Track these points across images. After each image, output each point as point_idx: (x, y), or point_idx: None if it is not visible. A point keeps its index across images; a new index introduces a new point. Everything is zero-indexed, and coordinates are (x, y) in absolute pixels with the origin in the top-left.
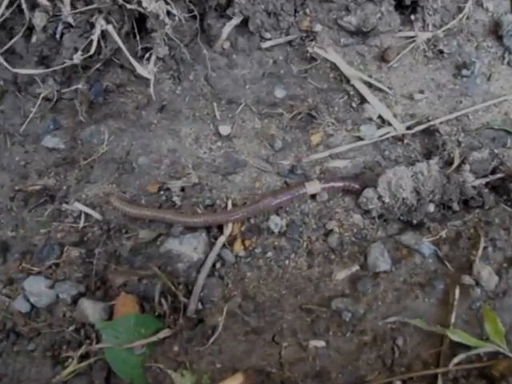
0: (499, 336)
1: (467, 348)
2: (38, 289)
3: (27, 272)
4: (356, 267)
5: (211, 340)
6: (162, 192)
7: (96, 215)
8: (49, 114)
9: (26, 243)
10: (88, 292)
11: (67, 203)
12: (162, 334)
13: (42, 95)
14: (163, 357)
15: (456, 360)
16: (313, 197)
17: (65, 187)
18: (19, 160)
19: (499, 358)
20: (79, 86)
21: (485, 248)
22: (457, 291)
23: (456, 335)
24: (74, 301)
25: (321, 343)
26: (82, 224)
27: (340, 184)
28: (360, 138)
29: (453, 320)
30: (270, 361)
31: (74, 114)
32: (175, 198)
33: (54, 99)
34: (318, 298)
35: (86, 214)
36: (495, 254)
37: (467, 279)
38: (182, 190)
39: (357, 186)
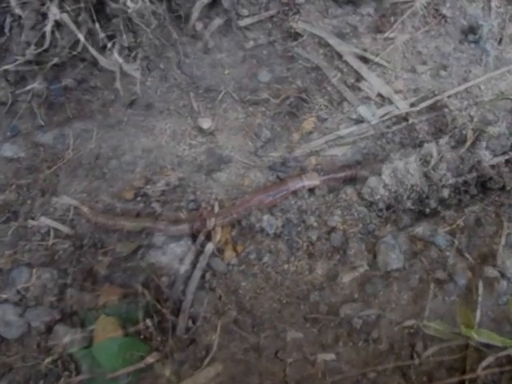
0: None
1: (496, 349)
2: (6, 318)
3: None
4: (364, 267)
5: (206, 361)
6: (139, 198)
7: (66, 230)
8: (4, 119)
9: None
10: (64, 317)
11: (33, 219)
12: (149, 359)
13: None
14: None
15: (484, 364)
16: (311, 191)
17: (29, 201)
18: None
19: None
20: (35, 85)
21: (509, 234)
22: (480, 286)
23: (482, 336)
24: (49, 328)
25: (330, 356)
26: (51, 241)
27: (342, 174)
28: (359, 121)
29: (478, 319)
30: (273, 380)
31: (32, 118)
32: (154, 204)
33: (9, 102)
34: (323, 306)
35: (55, 230)
36: None
37: (491, 271)
38: (162, 194)
39: (362, 172)
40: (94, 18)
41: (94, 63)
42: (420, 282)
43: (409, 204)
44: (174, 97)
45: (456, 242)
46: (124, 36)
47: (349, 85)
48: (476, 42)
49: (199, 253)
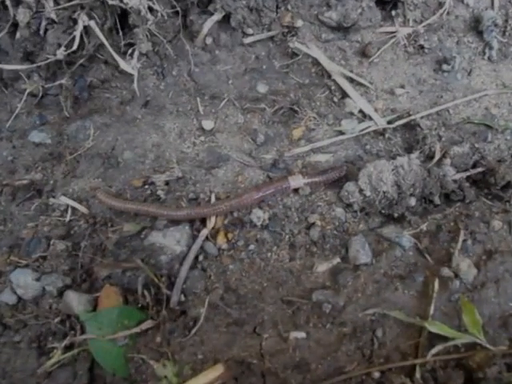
0: (477, 327)
1: (445, 339)
2: (24, 281)
3: (14, 265)
4: (337, 260)
5: (193, 331)
6: (146, 186)
7: (82, 209)
8: (35, 109)
9: (14, 237)
10: (74, 284)
11: (54, 197)
12: (144, 326)
13: (27, 91)
14: (146, 348)
15: (434, 351)
16: (295, 190)
17: (51, 182)
18: (6, 155)
19: (476, 349)
20: (63, 81)
21: (464, 241)
22: (436, 283)
23: (434, 327)
24: (60, 293)
25: (301, 335)
26: (68, 218)
27: (323, 178)
28: (341, 133)
29: (431, 312)
30: (250, 352)
31: (59, 110)
32: (160, 192)
33: (40, 95)
34: (299, 290)
35: (73, 208)
36: (474, 247)
37: (446, 271)
38: (167, 183)
39: (338, 174)
40: (118, 26)
41: (115, 66)
42: (384, 276)
43: (380, 208)
44: (182, 100)
45: (418, 244)
46: (143, 44)
47: (335, 101)
48: (449, 71)
49: (195, 237)
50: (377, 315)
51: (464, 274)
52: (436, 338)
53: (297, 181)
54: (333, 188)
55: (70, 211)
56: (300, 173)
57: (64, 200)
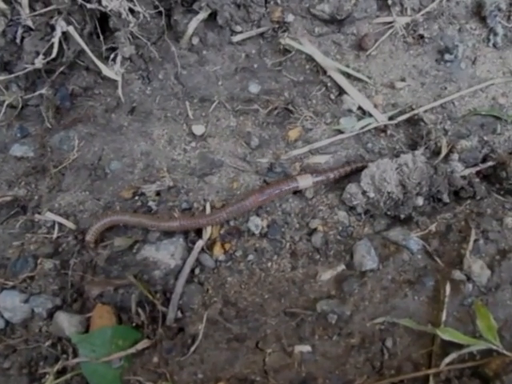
0: (492, 333)
1: (459, 347)
2: (12, 304)
3: (1, 287)
4: (342, 267)
5: (192, 349)
6: (136, 197)
7: (70, 224)
8: (15, 121)
9: None
10: (64, 305)
11: (39, 213)
12: (140, 345)
13: (6, 102)
14: (142, 369)
15: (448, 360)
16: (294, 193)
17: (36, 197)
18: None
19: (493, 356)
20: (44, 91)
21: (476, 241)
22: (447, 287)
23: (447, 334)
24: (50, 315)
25: (306, 348)
26: (55, 234)
27: (332, 174)
28: (340, 132)
29: (444, 318)
30: (253, 369)
31: (41, 121)
32: (151, 203)
33: (20, 106)
34: (302, 301)
35: (60, 224)
36: (487, 247)
37: (458, 274)
38: (158, 194)
39: (351, 168)
40: (99, 30)
41: (98, 72)
42: (392, 282)
43: (385, 209)
44: (171, 105)
45: (427, 247)
46: (126, 48)
47: (332, 98)
48: (451, 61)
49: (190, 249)
50: (386, 324)
51: (477, 276)
52: (449, 346)
53: (306, 180)
54: (334, 190)
55: (57, 227)
56: (309, 172)
57: (50, 216)
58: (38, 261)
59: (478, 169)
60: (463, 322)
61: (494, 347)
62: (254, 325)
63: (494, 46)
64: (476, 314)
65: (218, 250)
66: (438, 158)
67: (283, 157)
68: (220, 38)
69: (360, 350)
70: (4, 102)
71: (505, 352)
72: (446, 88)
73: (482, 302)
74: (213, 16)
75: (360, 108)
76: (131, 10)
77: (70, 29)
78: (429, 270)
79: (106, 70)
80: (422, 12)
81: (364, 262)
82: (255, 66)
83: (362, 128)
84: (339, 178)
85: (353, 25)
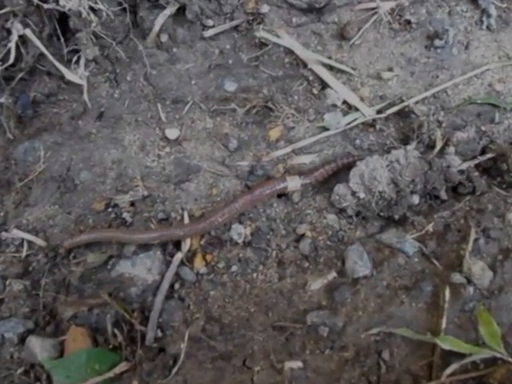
0: (495, 340)
1: (461, 356)
2: None
3: None
4: (333, 274)
5: (174, 370)
6: (110, 209)
7: (39, 241)
8: None
9: None
10: (37, 328)
11: (6, 231)
12: (118, 369)
13: None
14: None
15: (449, 370)
16: (279, 197)
17: (2, 213)
18: None
19: (497, 365)
20: (3, 99)
21: (476, 240)
22: (447, 292)
23: (447, 343)
24: (22, 339)
25: (297, 364)
26: (24, 253)
27: (323, 170)
28: (325, 129)
29: (444, 325)
30: None
31: (2, 132)
32: (125, 215)
33: None
34: (291, 313)
35: (29, 242)
36: (488, 246)
37: (458, 277)
38: (132, 204)
39: (344, 161)
40: (59, 32)
41: (61, 77)
42: (387, 288)
43: (378, 210)
44: (141, 108)
45: (423, 249)
46: (89, 50)
47: (314, 93)
48: (442, 47)
49: (168, 262)
50: (382, 335)
51: (478, 278)
52: (451, 356)
53: (294, 182)
54: (322, 192)
55: (25, 245)
56: (297, 174)
57: (18, 233)
58: (7, 282)
59: (476, 162)
60: (464, 329)
61: (499, 355)
62: (240, 341)
63: (488, 28)
64: (478, 320)
65: (198, 262)
66: (433, 152)
67: (265, 158)
68: (191, 34)
69: (355, 363)
70: None
71: (510, 360)
72: (437, 76)
73: (485, 307)
74: (181, 10)
75: (345, 102)
76: (92, 9)
77: (28, 32)
78: (426, 273)
79: (69, 74)
80: None
81: (356, 268)
82: (230, 62)
83: (349, 124)
84: (329, 177)
85: (333, 13)
